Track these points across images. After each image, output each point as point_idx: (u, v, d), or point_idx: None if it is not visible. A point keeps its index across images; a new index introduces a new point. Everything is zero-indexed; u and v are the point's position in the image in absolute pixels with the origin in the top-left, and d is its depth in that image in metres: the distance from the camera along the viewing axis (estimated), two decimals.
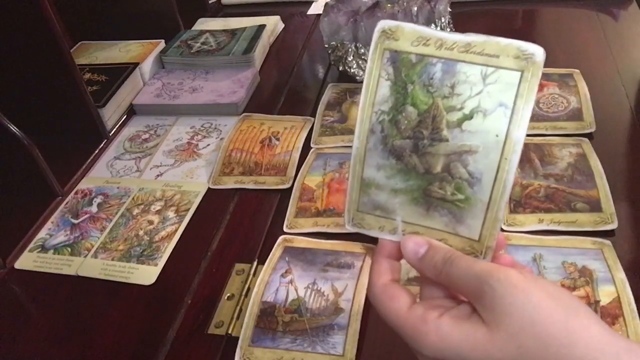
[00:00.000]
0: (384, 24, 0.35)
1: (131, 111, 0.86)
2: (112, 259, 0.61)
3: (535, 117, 0.70)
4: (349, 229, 0.39)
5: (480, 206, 0.35)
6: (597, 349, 0.30)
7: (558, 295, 0.32)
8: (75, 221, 0.67)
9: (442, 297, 0.36)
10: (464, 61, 0.34)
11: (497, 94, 0.33)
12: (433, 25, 0.81)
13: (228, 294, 0.55)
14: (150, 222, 0.65)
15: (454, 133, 0.35)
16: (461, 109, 0.34)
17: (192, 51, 0.93)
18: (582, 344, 0.30)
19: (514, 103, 0.33)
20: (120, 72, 0.86)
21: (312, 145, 0.72)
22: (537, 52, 0.32)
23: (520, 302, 0.31)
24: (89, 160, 0.76)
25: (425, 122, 0.35)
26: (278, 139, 0.74)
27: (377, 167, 0.37)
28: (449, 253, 0.35)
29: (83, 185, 0.73)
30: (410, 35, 0.35)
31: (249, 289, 0.55)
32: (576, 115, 0.69)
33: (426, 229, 0.37)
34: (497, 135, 0.34)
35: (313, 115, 0.78)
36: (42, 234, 0.66)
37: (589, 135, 0.66)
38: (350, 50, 0.81)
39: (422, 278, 0.37)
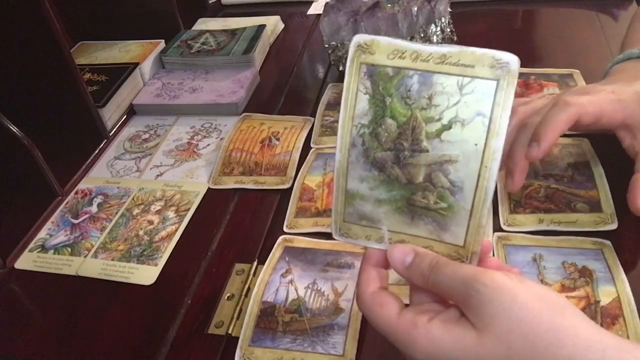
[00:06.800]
0: (359, 38, 0.36)
1: (131, 111, 0.86)
2: (112, 259, 0.61)
3: None
4: (337, 239, 0.40)
5: (463, 213, 0.35)
6: (585, 347, 0.30)
7: (544, 295, 0.32)
8: (75, 221, 0.67)
9: (431, 301, 0.36)
10: (440, 72, 0.34)
11: (474, 103, 0.34)
12: (433, 25, 0.81)
13: (228, 294, 0.55)
14: (150, 222, 0.65)
15: (433, 143, 0.35)
16: (439, 119, 0.35)
17: (192, 51, 0.93)
18: (569, 342, 0.30)
19: (492, 112, 0.33)
20: (120, 72, 0.86)
21: (312, 145, 0.72)
22: (512, 60, 0.33)
23: (507, 304, 0.31)
24: (89, 160, 0.76)
25: (405, 133, 0.36)
26: (278, 139, 0.74)
27: (360, 179, 0.38)
28: (434, 260, 0.35)
29: (83, 185, 0.73)
30: (386, 48, 0.35)
31: (249, 289, 0.55)
32: None
33: (412, 237, 0.38)
34: (476, 144, 0.34)
35: (313, 115, 0.78)
36: (42, 234, 0.66)
37: (589, 136, 0.66)
38: None
39: (410, 285, 0.38)
